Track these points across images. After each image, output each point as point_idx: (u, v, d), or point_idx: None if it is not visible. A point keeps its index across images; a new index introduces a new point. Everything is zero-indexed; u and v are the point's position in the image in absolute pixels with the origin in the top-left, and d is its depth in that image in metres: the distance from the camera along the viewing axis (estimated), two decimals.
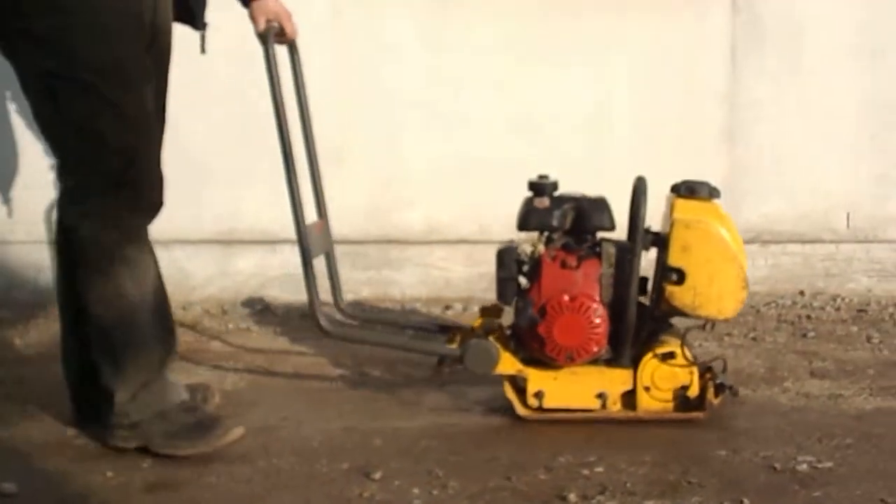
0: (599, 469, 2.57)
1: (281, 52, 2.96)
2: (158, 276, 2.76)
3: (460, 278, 4.22)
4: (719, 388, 2.85)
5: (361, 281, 4.19)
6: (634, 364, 2.87)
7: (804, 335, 3.77)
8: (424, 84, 4.16)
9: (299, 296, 4.05)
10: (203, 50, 2.86)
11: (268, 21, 2.88)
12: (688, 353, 2.86)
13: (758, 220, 4.18)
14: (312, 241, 2.95)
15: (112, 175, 2.61)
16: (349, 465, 2.61)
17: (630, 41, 4.15)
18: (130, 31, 2.62)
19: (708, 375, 2.89)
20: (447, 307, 4.12)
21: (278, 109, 2.83)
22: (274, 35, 2.87)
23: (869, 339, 3.74)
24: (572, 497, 2.40)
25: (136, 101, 2.62)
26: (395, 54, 4.14)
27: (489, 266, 3.00)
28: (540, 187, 2.93)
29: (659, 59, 4.14)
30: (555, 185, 2.94)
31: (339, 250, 3.22)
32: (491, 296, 3.05)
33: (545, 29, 4.11)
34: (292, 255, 4.05)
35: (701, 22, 4.03)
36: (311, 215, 3.01)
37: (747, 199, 4.14)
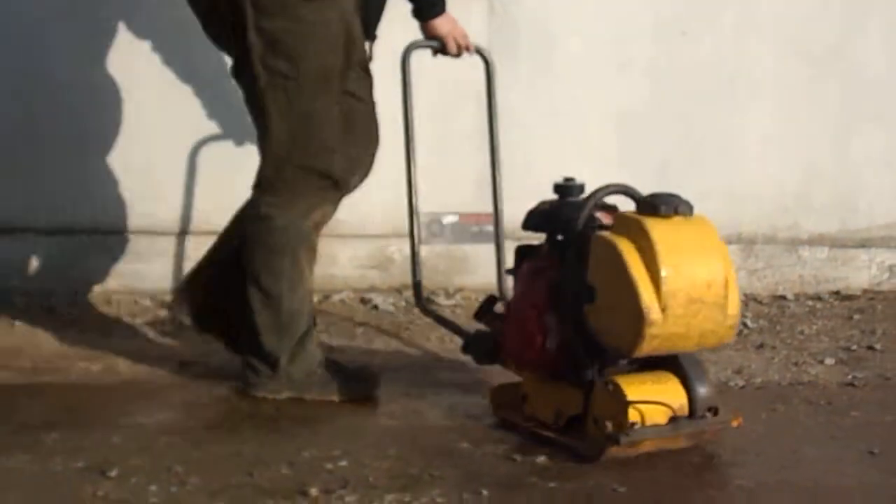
0: (343, 463, 2.56)
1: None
2: None
3: None
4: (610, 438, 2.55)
5: None
6: (588, 387, 2.64)
7: None
8: None
9: (39, 285, 3.93)
10: (370, 58, 3.13)
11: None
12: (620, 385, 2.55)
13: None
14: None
15: (314, 172, 2.98)
16: (85, 463, 2.51)
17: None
18: (341, 43, 2.97)
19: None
20: None
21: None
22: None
23: None
24: (314, 492, 2.39)
25: (337, 106, 2.99)
26: None
27: None
28: (564, 190, 2.81)
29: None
30: (581, 188, 2.81)
31: None
32: None
33: None
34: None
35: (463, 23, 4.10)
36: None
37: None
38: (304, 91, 2.94)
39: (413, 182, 3.19)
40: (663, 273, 2.46)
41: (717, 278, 2.51)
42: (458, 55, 3.23)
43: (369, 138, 3.12)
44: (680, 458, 2.68)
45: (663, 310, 2.45)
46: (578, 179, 2.83)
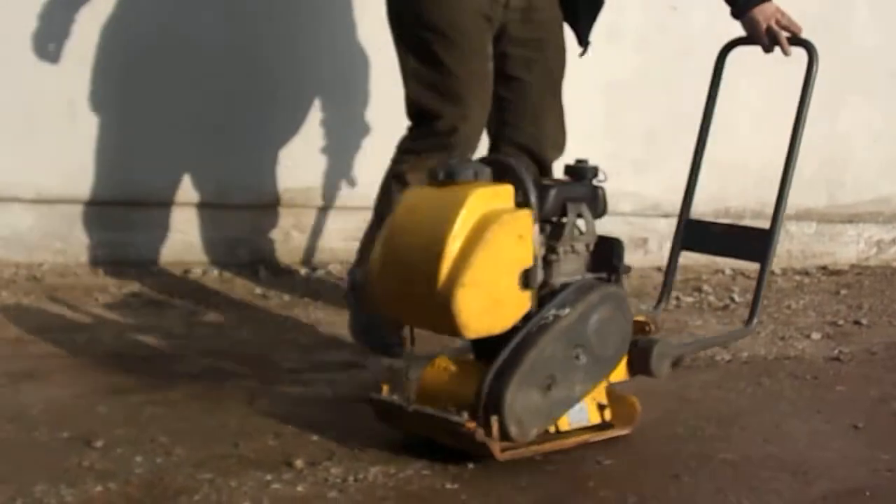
0: (330, 435, 2.56)
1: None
2: None
3: None
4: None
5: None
6: None
7: None
8: None
9: (27, 257, 3.92)
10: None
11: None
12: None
13: None
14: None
15: (439, 135, 2.99)
16: (70, 433, 2.51)
17: None
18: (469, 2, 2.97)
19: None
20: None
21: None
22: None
23: None
24: (299, 463, 2.39)
25: (467, 66, 2.98)
26: None
27: None
28: (578, 171, 2.62)
29: None
30: (595, 171, 2.62)
31: None
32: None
33: None
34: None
35: None
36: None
37: None
38: None
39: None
40: (383, 235, 2.47)
41: (429, 252, 2.34)
42: (769, 50, 2.95)
43: None
44: (665, 432, 2.70)
45: (375, 275, 2.47)
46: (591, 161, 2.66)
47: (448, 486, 2.33)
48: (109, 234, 4.02)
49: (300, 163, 4.09)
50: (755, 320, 2.84)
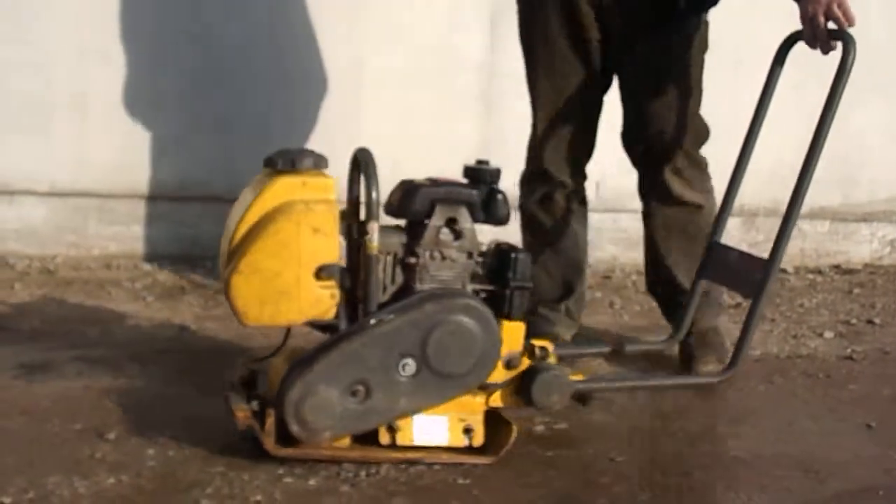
0: None
1: None
2: None
3: None
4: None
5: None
6: None
7: None
8: None
9: (39, 249, 3.93)
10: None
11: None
12: None
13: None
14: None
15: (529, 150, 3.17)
16: (82, 425, 2.52)
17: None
18: (539, 21, 3.03)
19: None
20: None
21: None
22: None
23: (612, 304, 3.90)
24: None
25: (542, 85, 3.08)
26: None
27: None
28: (472, 174, 2.48)
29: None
30: (493, 174, 2.48)
31: None
32: None
33: None
34: (32, 208, 3.95)
35: None
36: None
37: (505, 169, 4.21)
38: None
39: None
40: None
41: (226, 236, 2.36)
42: (812, 45, 2.74)
43: None
44: (677, 429, 2.70)
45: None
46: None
47: (460, 481, 2.33)
48: (119, 227, 4.04)
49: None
50: (736, 366, 2.71)
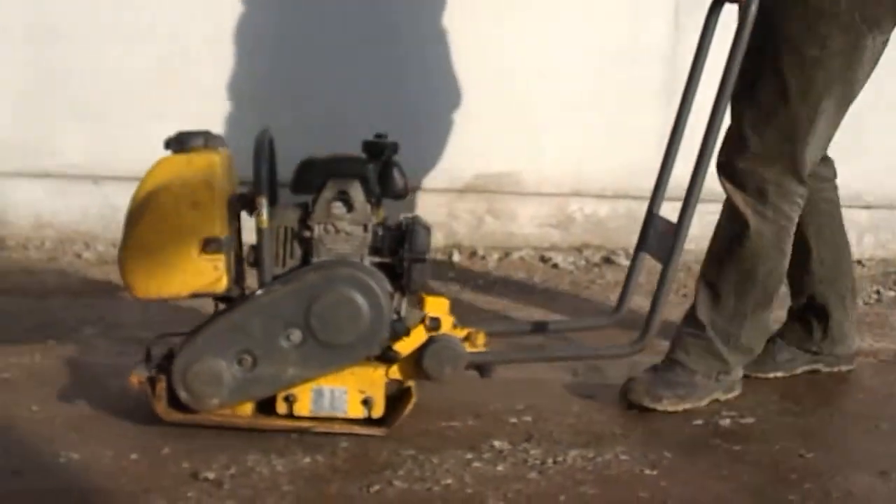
0: (527, 418, 2.59)
1: None
2: None
3: None
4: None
5: None
6: None
7: None
8: None
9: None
10: None
11: None
12: None
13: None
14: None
15: None
16: None
17: None
18: None
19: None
20: None
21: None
22: None
23: None
24: (498, 444, 2.43)
25: None
26: None
27: None
28: (369, 147, 2.51)
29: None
30: (389, 147, 2.51)
31: None
32: None
33: None
34: None
35: None
36: None
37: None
38: None
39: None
40: None
41: (127, 211, 2.43)
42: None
43: None
44: (866, 427, 2.64)
45: None
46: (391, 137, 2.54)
47: (647, 472, 2.33)
48: None
49: (495, 149, 4.12)
50: (648, 337, 2.62)
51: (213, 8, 4.02)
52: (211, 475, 2.23)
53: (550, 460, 2.36)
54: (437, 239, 4.15)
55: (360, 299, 2.38)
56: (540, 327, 2.95)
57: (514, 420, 2.58)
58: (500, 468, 2.32)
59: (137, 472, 2.25)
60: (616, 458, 2.39)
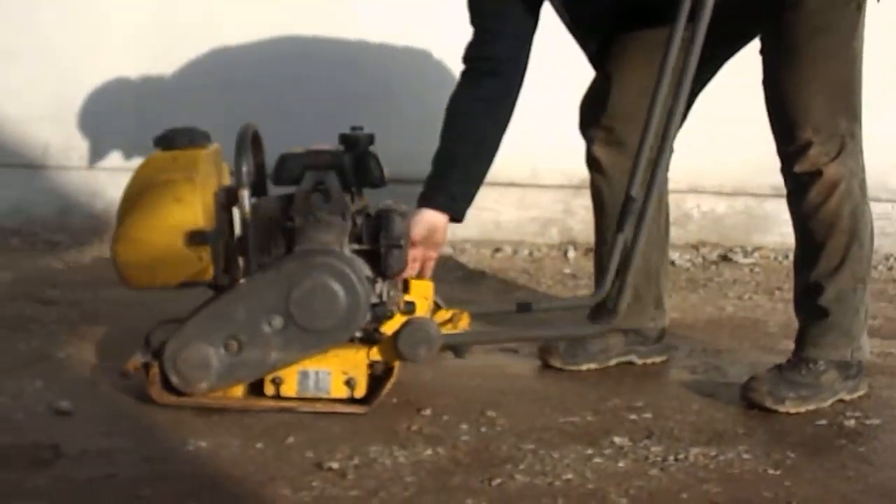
0: (647, 415, 2.58)
1: None
2: None
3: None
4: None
5: None
6: None
7: None
8: None
9: None
10: None
11: None
12: None
13: None
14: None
15: None
16: (398, 400, 2.64)
17: None
18: None
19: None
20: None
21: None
22: None
23: None
24: (618, 440, 2.43)
25: None
26: None
27: None
28: (346, 139, 2.60)
29: None
30: (364, 139, 2.60)
31: None
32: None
33: None
34: None
35: None
36: None
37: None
38: None
39: None
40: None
41: (119, 206, 2.58)
42: None
43: None
44: None
45: None
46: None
47: (770, 471, 2.30)
48: None
49: None
50: (614, 317, 2.59)
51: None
52: (335, 465, 2.27)
53: (672, 457, 2.35)
54: (552, 235, 4.17)
55: (336, 286, 2.48)
56: (524, 307, 2.96)
57: (633, 417, 2.57)
58: (620, 464, 2.32)
59: (263, 460, 2.29)
60: (738, 456, 2.37)
